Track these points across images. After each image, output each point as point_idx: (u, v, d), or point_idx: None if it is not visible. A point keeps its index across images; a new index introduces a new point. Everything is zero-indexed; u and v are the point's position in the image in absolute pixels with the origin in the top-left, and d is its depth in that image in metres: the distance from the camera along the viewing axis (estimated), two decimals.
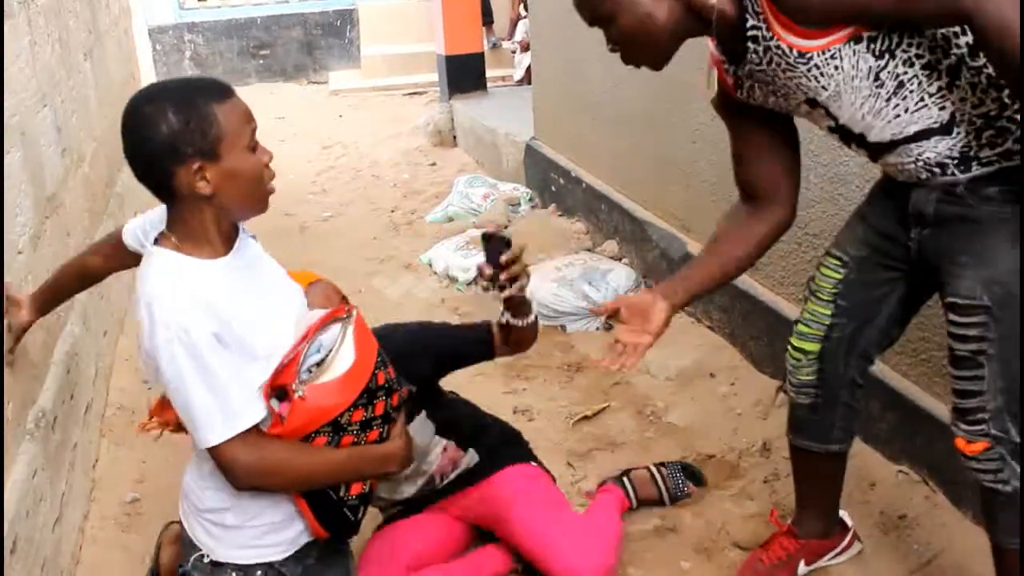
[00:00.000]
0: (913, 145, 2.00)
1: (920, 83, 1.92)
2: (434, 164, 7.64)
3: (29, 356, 2.80)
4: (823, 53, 1.93)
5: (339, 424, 1.96)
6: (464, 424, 2.79)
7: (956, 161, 1.99)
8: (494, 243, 2.27)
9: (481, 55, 8.45)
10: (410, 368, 2.39)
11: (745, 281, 3.83)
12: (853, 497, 2.89)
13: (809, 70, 1.97)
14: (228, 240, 1.98)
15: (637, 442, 3.44)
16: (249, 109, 1.96)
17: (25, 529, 2.38)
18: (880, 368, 3.00)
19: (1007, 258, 1.95)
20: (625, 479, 2.99)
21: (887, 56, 1.91)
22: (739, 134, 2.34)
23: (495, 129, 7.02)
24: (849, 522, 2.73)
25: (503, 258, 2.25)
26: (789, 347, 2.44)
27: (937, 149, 1.99)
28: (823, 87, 1.99)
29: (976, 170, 1.98)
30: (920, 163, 2.02)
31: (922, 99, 1.94)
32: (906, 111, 1.96)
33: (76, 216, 3.86)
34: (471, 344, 2.67)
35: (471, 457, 2.75)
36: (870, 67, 1.92)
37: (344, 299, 2.41)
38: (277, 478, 1.95)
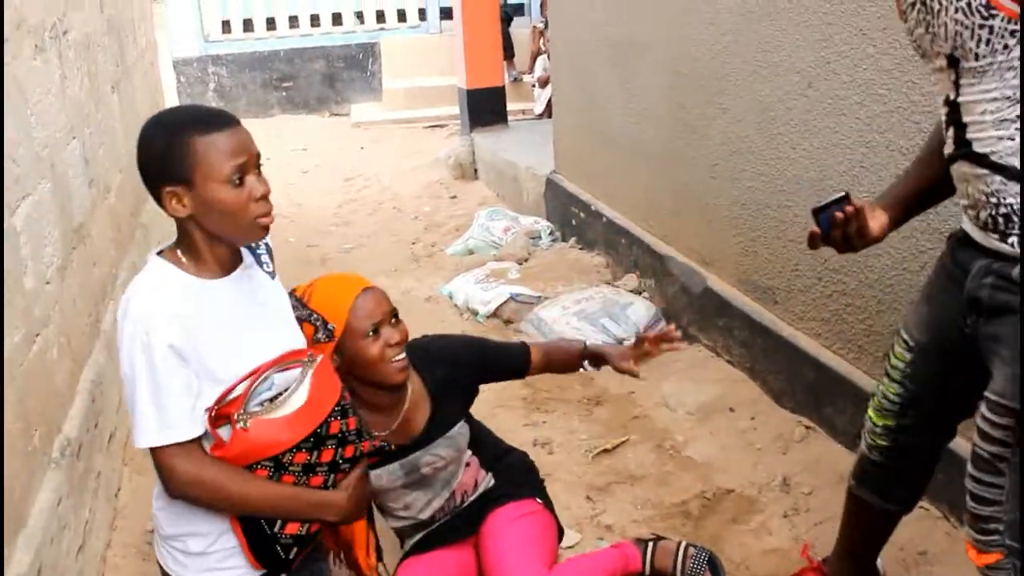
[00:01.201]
0: (999, 179, 1.89)
1: None
2: (455, 197, 7.69)
3: (55, 384, 2.84)
4: (1009, 21, 1.78)
5: (280, 462, 1.99)
6: (486, 445, 2.84)
7: (1020, 226, 1.89)
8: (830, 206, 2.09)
9: (502, 89, 8.52)
10: (456, 374, 2.65)
11: (765, 316, 3.84)
12: None
13: (981, 27, 1.81)
14: (224, 263, 2.03)
15: (656, 476, 3.44)
16: (243, 142, 1.98)
17: (50, 556, 2.41)
18: None
19: None
20: (650, 544, 2.86)
21: None
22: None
23: (516, 163, 7.07)
24: (882, 570, 2.69)
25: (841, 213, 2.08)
26: (868, 413, 2.39)
27: (1016, 200, 1.87)
28: (977, 55, 1.84)
29: None
30: (992, 201, 1.92)
31: None
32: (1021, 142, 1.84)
33: (102, 246, 3.91)
34: (510, 356, 2.79)
35: (488, 479, 2.79)
36: None
37: (393, 312, 2.53)
38: (210, 494, 1.98)
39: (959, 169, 1.99)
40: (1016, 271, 1.91)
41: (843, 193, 2.06)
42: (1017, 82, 1.82)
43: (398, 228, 6.99)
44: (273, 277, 2.19)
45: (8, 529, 2.24)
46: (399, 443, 2.58)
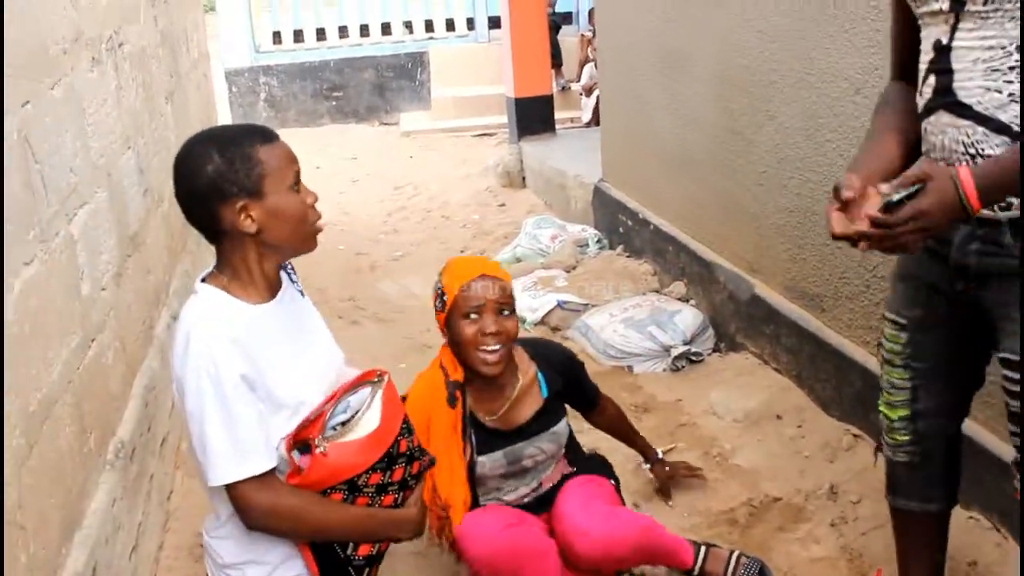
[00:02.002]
0: (982, 130, 1.91)
1: None
2: (503, 205, 7.72)
3: (111, 388, 2.90)
4: None
5: (355, 484, 1.99)
6: (573, 447, 2.97)
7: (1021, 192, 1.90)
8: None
9: (550, 98, 8.53)
10: (567, 386, 2.86)
11: (812, 323, 3.83)
12: None
13: None
14: (271, 285, 2.04)
15: (703, 484, 3.43)
16: (292, 152, 2.03)
17: (104, 556, 2.46)
18: None
19: None
20: (703, 548, 2.87)
21: None
22: (894, 13, 2.21)
23: (564, 171, 7.08)
24: None
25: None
26: (880, 411, 2.40)
27: (996, 153, 1.89)
28: None
29: (1015, 208, 1.90)
30: (970, 152, 1.92)
31: None
32: (1008, 95, 1.86)
33: (156, 254, 3.98)
34: (590, 393, 3.03)
35: (569, 469, 2.91)
36: None
37: (503, 306, 2.64)
38: (289, 523, 1.98)
39: (938, 120, 1.99)
40: (1007, 237, 1.93)
41: (919, 185, 1.85)
42: (1016, 33, 1.83)
43: (447, 236, 7.04)
44: (303, 295, 2.21)
45: (64, 528, 2.30)
46: (502, 429, 2.71)
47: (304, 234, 2.02)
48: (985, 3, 1.86)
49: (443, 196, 8.21)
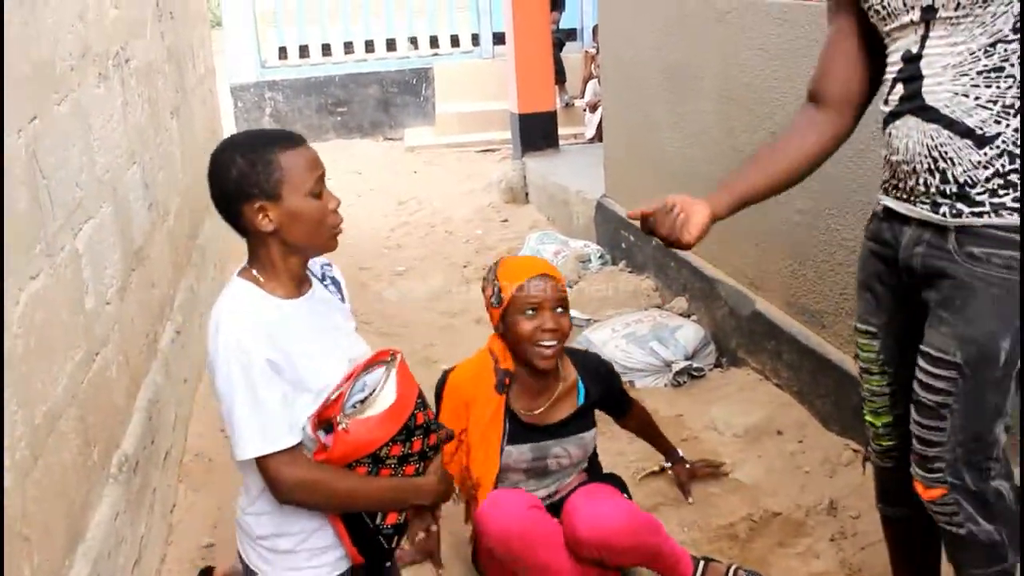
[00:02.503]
0: (947, 133, 1.97)
1: (1012, 85, 1.90)
2: (506, 220, 7.74)
3: (115, 402, 2.92)
4: None
5: (378, 457, 2.11)
6: (593, 462, 3.08)
7: (958, 188, 1.98)
8: None
9: (554, 114, 8.55)
10: (604, 394, 3.00)
11: (812, 339, 3.85)
12: None
13: None
14: (297, 279, 2.15)
15: (703, 498, 3.44)
16: (317, 158, 2.13)
17: (107, 568, 2.48)
18: None
19: (987, 320, 1.97)
20: (702, 562, 2.91)
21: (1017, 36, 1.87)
22: (838, 30, 2.26)
23: (566, 186, 7.11)
24: None
25: None
26: (866, 419, 2.43)
27: (959, 157, 1.97)
28: (959, 3, 1.91)
29: (966, 216, 1.98)
30: (932, 156, 2.00)
31: (998, 100, 1.92)
32: (975, 99, 1.93)
33: (161, 268, 4.00)
34: (623, 402, 3.17)
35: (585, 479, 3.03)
36: (998, 31, 1.90)
37: (559, 303, 2.80)
38: (319, 496, 2.11)
39: (904, 124, 2.05)
40: (951, 242, 2.01)
41: None
42: (984, 40, 1.90)
43: (450, 251, 7.06)
44: (343, 300, 2.34)
45: (68, 540, 2.32)
46: (535, 425, 2.87)
47: (322, 236, 2.13)
48: (957, 8, 1.92)
49: (446, 211, 8.23)
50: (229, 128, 9.15)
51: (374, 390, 2.12)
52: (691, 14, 4.74)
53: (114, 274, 3.13)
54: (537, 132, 8.38)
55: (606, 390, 3.03)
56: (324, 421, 2.09)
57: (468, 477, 2.86)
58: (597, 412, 3.05)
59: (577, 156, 8.22)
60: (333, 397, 2.09)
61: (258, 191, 2.03)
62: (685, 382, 4.39)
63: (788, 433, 3.81)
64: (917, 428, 2.11)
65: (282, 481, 2.05)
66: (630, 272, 5.70)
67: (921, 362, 2.08)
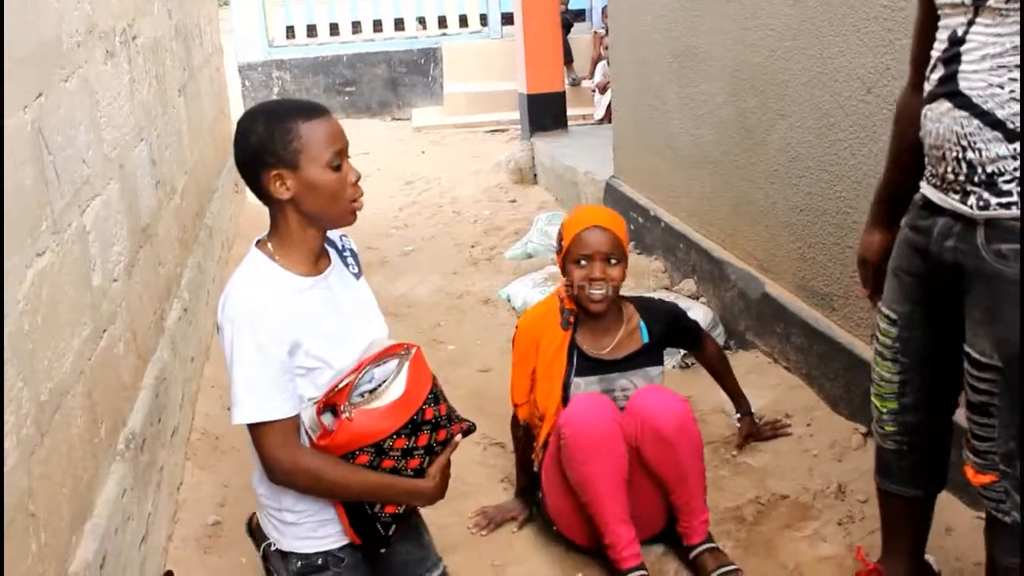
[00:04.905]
0: (976, 123, 1.96)
1: None
2: (514, 201, 7.72)
3: (122, 379, 2.91)
4: None
5: (382, 448, 2.13)
6: None
7: (986, 176, 1.97)
8: None
9: (562, 94, 8.52)
10: (668, 332, 3.21)
11: (821, 322, 3.83)
12: (930, 543, 2.85)
13: None
14: (314, 253, 2.18)
15: (712, 481, 3.41)
16: (338, 131, 2.16)
17: (114, 545, 2.47)
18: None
19: (1017, 317, 1.98)
20: (709, 544, 2.95)
21: None
22: (924, 14, 2.23)
23: (575, 167, 7.08)
24: (936, 567, 2.70)
25: None
26: (872, 401, 2.44)
27: (987, 148, 1.96)
28: None
29: (994, 208, 1.97)
30: (961, 144, 1.99)
31: None
32: (1010, 92, 1.91)
33: (168, 246, 4.00)
34: (693, 337, 3.40)
35: None
36: None
37: (611, 255, 2.97)
38: (309, 481, 2.14)
39: (938, 107, 2.04)
40: (980, 237, 2.01)
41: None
42: None
43: (457, 231, 7.04)
44: (358, 277, 2.36)
45: (75, 518, 2.31)
46: (603, 359, 3.07)
47: (339, 209, 2.15)
48: (1008, 0, 1.89)
49: (454, 191, 8.21)
50: (237, 107, 9.13)
51: (383, 382, 2.13)
52: None
53: (121, 251, 3.12)
54: (546, 112, 8.36)
55: (669, 327, 3.21)
56: (330, 406, 2.11)
57: (536, 409, 3.06)
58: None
59: (586, 137, 8.21)
60: (341, 386, 2.11)
61: (276, 159, 2.06)
62: (693, 364, 4.36)
63: (797, 416, 3.79)
64: (971, 424, 2.14)
65: (275, 461, 2.09)
66: (639, 253, 5.68)
67: (966, 364, 2.10)
